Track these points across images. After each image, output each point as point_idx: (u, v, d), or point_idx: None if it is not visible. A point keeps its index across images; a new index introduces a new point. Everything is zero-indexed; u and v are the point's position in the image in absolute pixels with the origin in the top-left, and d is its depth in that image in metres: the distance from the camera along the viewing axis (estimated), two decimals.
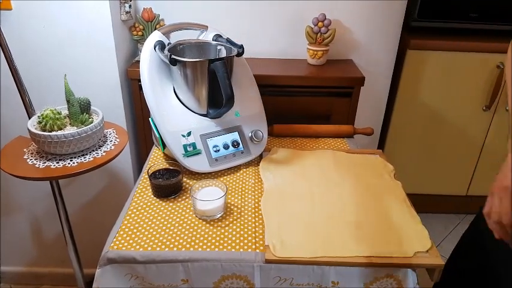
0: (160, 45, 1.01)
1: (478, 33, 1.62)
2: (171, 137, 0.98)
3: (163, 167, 0.97)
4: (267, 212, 0.86)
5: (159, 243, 0.78)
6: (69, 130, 1.02)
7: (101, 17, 1.19)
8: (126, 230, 0.82)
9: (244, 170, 1.03)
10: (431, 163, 1.85)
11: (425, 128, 1.76)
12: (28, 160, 1.03)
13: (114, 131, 1.18)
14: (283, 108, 1.35)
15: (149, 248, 0.77)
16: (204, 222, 0.84)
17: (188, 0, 1.39)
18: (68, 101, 1.04)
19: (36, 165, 1.01)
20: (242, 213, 0.87)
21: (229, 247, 0.77)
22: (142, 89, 1.01)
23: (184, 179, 0.98)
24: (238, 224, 0.83)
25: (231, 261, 0.75)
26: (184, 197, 0.92)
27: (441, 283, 0.82)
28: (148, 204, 0.90)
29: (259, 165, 1.04)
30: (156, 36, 1.03)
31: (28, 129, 1.00)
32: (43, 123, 1.00)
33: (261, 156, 1.08)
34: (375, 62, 1.54)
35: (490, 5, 1.58)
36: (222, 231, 0.82)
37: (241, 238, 0.80)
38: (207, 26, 1.12)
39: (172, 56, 0.94)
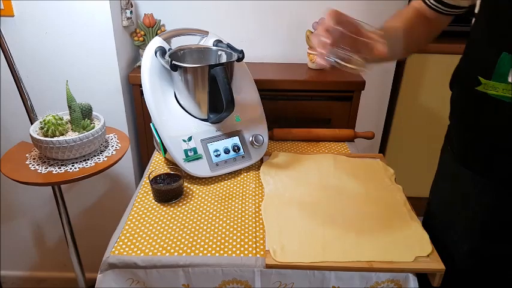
0: (161, 51, 1.01)
1: None
2: (171, 141, 0.98)
3: (164, 171, 0.97)
4: (267, 216, 0.86)
5: (160, 248, 0.78)
6: (71, 135, 1.02)
7: (102, 23, 1.20)
8: (127, 235, 0.82)
9: (245, 174, 1.04)
10: (433, 167, 1.85)
11: (426, 131, 1.76)
12: (30, 165, 1.03)
13: (116, 136, 1.18)
14: (284, 112, 1.35)
15: (150, 253, 0.77)
16: (204, 227, 0.84)
17: (189, 6, 1.40)
18: (69, 107, 1.05)
19: (38, 171, 1.01)
20: (243, 218, 0.87)
21: (229, 252, 0.77)
22: (143, 94, 1.01)
23: (185, 184, 0.98)
24: (239, 229, 0.84)
25: (231, 266, 0.75)
26: (185, 202, 0.92)
27: None
28: (149, 209, 0.90)
29: (259, 169, 1.05)
30: (157, 42, 1.04)
31: (30, 134, 1.01)
32: (45, 128, 1.01)
33: (261, 161, 1.08)
34: (375, 65, 1.54)
35: None
36: (223, 236, 0.82)
37: (242, 243, 0.80)
38: (207, 32, 1.12)
39: (173, 62, 0.95)
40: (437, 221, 0.86)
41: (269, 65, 1.47)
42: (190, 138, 0.99)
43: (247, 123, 1.07)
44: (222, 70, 0.94)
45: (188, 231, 0.83)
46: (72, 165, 1.03)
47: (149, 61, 1.01)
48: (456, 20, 1.66)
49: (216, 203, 0.92)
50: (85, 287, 1.35)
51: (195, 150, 0.99)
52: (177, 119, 1.01)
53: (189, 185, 0.98)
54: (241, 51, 1.02)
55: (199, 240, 0.80)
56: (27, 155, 1.08)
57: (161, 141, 1.00)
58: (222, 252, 0.77)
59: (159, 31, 1.35)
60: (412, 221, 0.85)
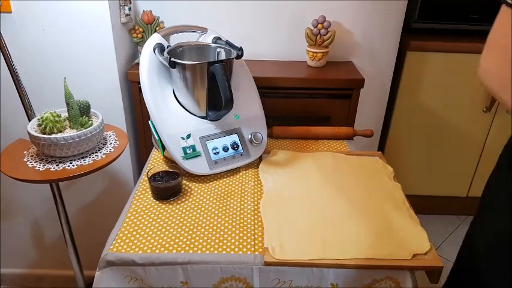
0: (160, 48, 1.01)
1: (479, 35, 1.62)
2: (170, 139, 0.98)
3: (163, 169, 0.97)
4: (266, 214, 0.86)
5: (159, 246, 0.78)
6: (69, 133, 1.02)
7: (100, 20, 1.19)
8: (126, 232, 0.82)
9: (244, 172, 1.03)
10: (432, 164, 1.85)
11: (425, 129, 1.75)
12: (28, 163, 1.03)
13: (114, 133, 1.18)
14: (283, 110, 1.35)
15: (148, 251, 0.77)
16: (203, 225, 0.84)
17: (188, 2, 1.39)
18: (67, 104, 1.05)
19: (36, 168, 1.01)
20: (241, 216, 0.87)
21: (228, 249, 0.77)
22: (142, 91, 1.01)
23: (184, 182, 0.98)
24: (238, 227, 0.83)
25: (230, 264, 0.75)
26: (184, 200, 0.92)
27: None
28: (148, 206, 0.90)
29: (258, 167, 1.04)
30: (155, 38, 1.03)
31: (28, 132, 1.00)
32: (43, 125, 1.01)
33: (260, 159, 1.08)
34: (375, 63, 1.54)
35: (490, 6, 1.58)
36: (222, 233, 0.82)
37: (241, 240, 0.80)
38: (206, 29, 1.12)
39: (172, 59, 0.94)
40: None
41: (268, 62, 1.47)
42: (189, 136, 0.99)
43: (246, 121, 1.06)
44: (221, 67, 0.93)
45: (187, 229, 0.83)
46: (70, 163, 1.02)
47: (148, 58, 1.01)
48: (455, 19, 1.66)
49: (214, 201, 0.92)
50: (84, 285, 1.35)
51: (193, 148, 0.99)
52: (175, 117, 1.01)
53: (187, 183, 0.98)
54: (241, 48, 1.02)
55: (197, 238, 0.80)
56: (25, 152, 1.08)
57: (160, 138, 0.99)
58: (220, 249, 0.77)
59: (157, 28, 1.34)
60: (411, 219, 0.85)
